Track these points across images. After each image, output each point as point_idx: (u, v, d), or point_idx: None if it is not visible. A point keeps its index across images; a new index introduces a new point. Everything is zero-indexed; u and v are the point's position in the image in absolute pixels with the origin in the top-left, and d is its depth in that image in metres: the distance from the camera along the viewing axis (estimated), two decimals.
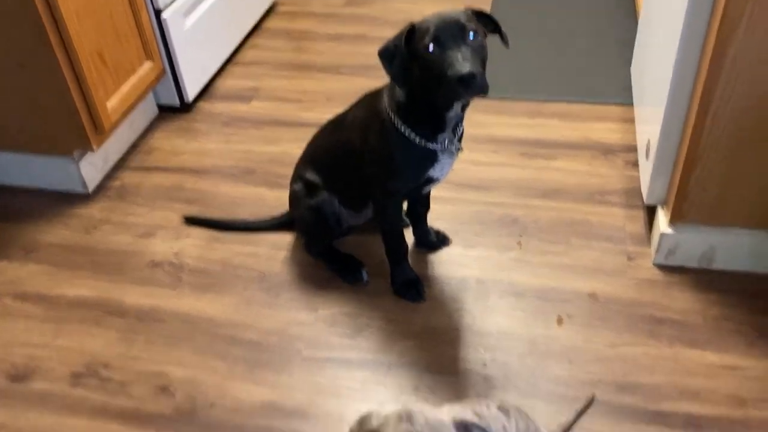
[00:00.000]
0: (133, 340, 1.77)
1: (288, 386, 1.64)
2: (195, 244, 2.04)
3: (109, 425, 1.57)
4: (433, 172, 1.65)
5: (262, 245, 2.03)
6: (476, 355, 1.69)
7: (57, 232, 2.11)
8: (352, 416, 1.11)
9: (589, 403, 1.55)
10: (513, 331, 1.74)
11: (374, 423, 0.98)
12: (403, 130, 1.57)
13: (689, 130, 1.67)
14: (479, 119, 2.46)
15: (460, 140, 1.65)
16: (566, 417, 1.50)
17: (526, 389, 1.60)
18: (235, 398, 1.62)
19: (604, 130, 2.40)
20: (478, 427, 0.99)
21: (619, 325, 1.73)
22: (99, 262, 2.00)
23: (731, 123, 1.61)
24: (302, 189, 1.86)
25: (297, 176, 1.90)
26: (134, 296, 1.89)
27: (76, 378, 1.68)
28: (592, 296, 1.81)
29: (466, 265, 1.93)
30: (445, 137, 1.59)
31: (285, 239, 2.04)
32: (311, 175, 1.85)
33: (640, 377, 1.61)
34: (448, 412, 0.99)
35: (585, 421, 1.52)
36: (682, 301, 1.78)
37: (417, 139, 1.57)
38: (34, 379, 1.69)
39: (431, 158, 1.62)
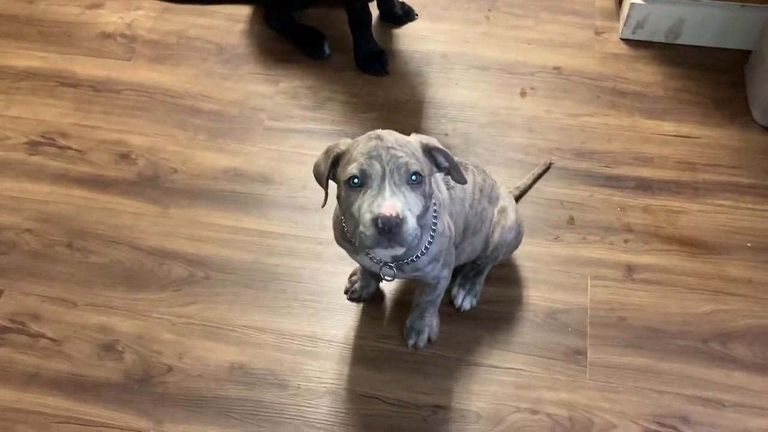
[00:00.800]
0: (90, 110, 1.72)
1: (250, 154, 1.64)
2: (147, 15, 1.93)
3: (72, 190, 1.57)
4: None
5: (218, 17, 1.93)
6: (438, 125, 1.69)
7: None
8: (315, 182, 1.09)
9: (547, 168, 1.59)
10: (476, 102, 1.73)
11: (342, 147, 0.99)
12: None
13: None
14: None
15: None
16: (523, 180, 1.55)
17: (486, 156, 1.62)
18: (197, 164, 1.62)
19: None
20: (442, 151, 1.01)
21: (582, 96, 1.73)
22: (46, 33, 1.89)
23: None
24: None
25: None
26: (87, 67, 1.81)
27: (33, 146, 1.65)
28: (557, 69, 1.79)
29: (432, 39, 1.88)
30: None
31: (242, 11, 1.94)
32: None
33: (598, 145, 1.64)
34: (414, 137, 1.01)
35: (541, 184, 1.57)
36: (645, 74, 1.78)
37: None
38: None
39: None
